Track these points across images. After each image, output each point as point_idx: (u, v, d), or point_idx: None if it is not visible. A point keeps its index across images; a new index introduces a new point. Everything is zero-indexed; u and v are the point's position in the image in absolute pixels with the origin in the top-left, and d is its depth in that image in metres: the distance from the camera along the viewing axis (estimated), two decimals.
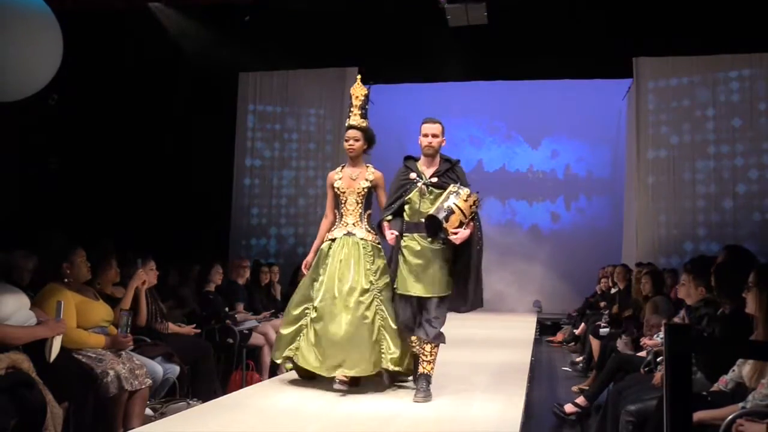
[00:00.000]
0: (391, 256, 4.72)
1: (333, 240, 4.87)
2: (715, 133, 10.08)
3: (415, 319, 4.63)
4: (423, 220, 4.50)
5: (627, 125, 11.33)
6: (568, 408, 5.56)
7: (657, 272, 6.90)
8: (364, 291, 4.69)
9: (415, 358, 4.75)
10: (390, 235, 4.60)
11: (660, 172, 10.33)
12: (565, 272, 12.23)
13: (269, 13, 9.59)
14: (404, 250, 4.59)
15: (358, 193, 4.92)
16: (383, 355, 4.66)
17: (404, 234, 4.63)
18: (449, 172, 4.68)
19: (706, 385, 3.78)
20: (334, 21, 9.52)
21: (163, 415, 4.73)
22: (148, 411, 4.74)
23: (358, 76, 5.12)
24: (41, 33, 5.53)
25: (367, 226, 4.92)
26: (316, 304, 4.72)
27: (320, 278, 4.78)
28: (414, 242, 4.58)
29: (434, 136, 4.68)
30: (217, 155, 10.97)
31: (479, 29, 8.96)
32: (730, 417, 3.11)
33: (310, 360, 4.69)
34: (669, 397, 1.90)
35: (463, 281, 4.60)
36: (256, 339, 6.75)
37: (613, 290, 9.03)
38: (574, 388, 6.55)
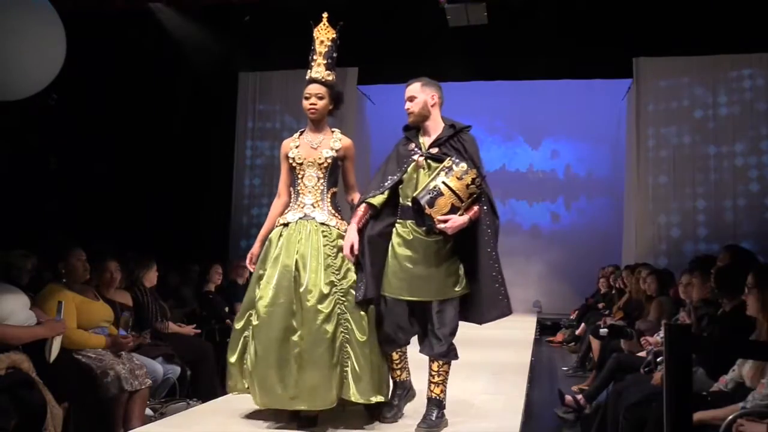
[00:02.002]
0: (363, 248, 3.68)
1: (285, 225, 3.80)
2: (715, 133, 10.08)
3: (403, 330, 3.69)
4: (410, 203, 3.64)
5: (627, 125, 11.32)
6: (567, 400, 5.55)
7: (661, 272, 6.89)
8: (323, 296, 3.63)
9: (395, 383, 3.85)
10: (350, 242, 3.60)
11: (660, 172, 10.33)
12: (565, 272, 12.22)
13: (269, 13, 9.58)
14: (394, 241, 3.68)
15: (320, 164, 3.84)
16: (346, 382, 3.64)
17: (398, 221, 3.71)
18: (453, 141, 3.70)
19: (707, 384, 3.78)
20: (334, 21, 9.52)
21: (163, 415, 4.74)
22: (148, 411, 4.75)
23: (325, 15, 4.01)
24: (45, 32, 5.53)
25: (330, 208, 3.84)
26: (260, 309, 3.66)
27: (266, 275, 3.73)
28: (406, 231, 3.65)
29: (410, 99, 3.74)
30: (216, 155, 10.97)
31: (479, 29, 8.96)
32: (730, 417, 3.11)
33: (254, 393, 3.70)
34: (669, 397, 1.90)
35: (475, 284, 3.67)
36: None
37: (613, 292, 9.04)
38: (574, 388, 6.55)
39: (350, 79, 11.17)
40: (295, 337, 3.57)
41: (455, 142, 3.70)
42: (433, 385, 3.69)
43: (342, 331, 3.65)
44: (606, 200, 12.60)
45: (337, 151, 3.88)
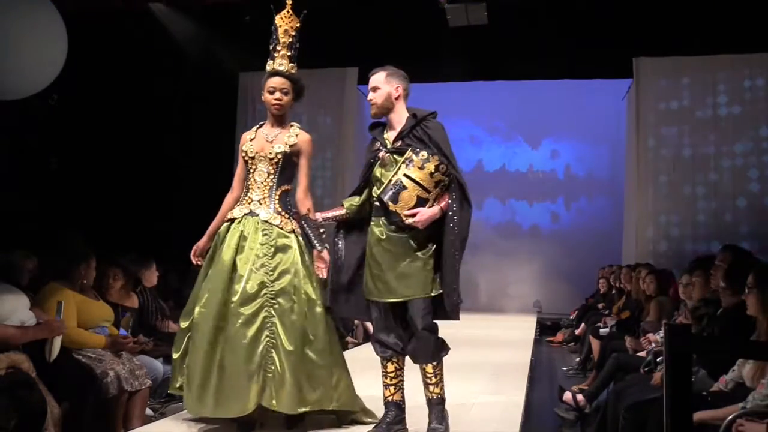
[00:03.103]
0: (337, 254, 3.55)
1: (232, 221, 3.64)
2: (715, 133, 10.08)
3: (395, 334, 3.47)
4: (377, 203, 3.46)
5: (627, 125, 11.33)
6: (567, 396, 5.55)
7: (661, 272, 6.89)
8: (249, 297, 3.42)
9: (386, 404, 3.54)
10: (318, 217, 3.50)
11: (660, 172, 10.34)
12: (565, 272, 12.22)
13: (269, 13, 9.58)
14: (371, 240, 3.49)
15: (270, 159, 3.64)
16: (268, 389, 3.38)
17: (372, 219, 3.52)
18: (416, 131, 3.48)
19: (707, 384, 3.78)
20: (334, 21, 9.52)
21: (163, 415, 4.74)
22: (148, 411, 4.75)
23: (289, 2, 3.75)
24: (46, 32, 5.54)
25: (278, 206, 3.63)
26: (195, 310, 3.51)
27: (208, 274, 3.58)
28: (380, 229, 3.45)
29: (373, 90, 3.54)
30: (217, 155, 10.96)
31: (479, 29, 8.96)
32: (730, 417, 3.11)
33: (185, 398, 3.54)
34: (669, 397, 1.90)
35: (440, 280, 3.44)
36: None
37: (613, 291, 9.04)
38: (574, 388, 6.54)
39: (350, 79, 11.18)
40: (221, 340, 3.41)
41: (418, 131, 3.48)
42: (432, 387, 3.45)
43: (267, 335, 3.41)
44: (606, 200, 12.60)
45: (291, 146, 3.65)
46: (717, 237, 9.77)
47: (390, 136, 3.54)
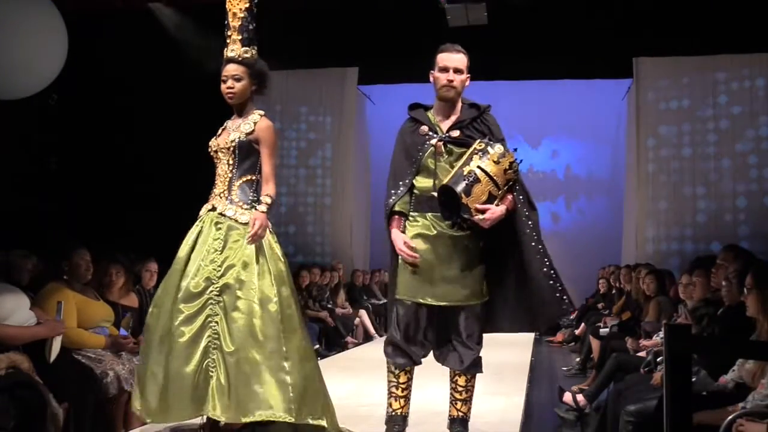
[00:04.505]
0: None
1: (199, 218, 3.48)
2: (715, 133, 10.08)
3: (421, 341, 3.25)
4: (435, 194, 3.17)
5: (627, 125, 11.33)
6: (567, 396, 5.54)
7: (661, 272, 6.90)
8: (192, 295, 3.20)
9: (390, 417, 3.27)
10: (401, 243, 3.13)
11: (660, 172, 10.34)
12: (565, 272, 12.05)
13: (268, 13, 9.57)
14: (409, 236, 3.22)
15: (228, 150, 3.44)
16: (209, 396, 3.11)
17: (410, 214, 3.25)
18: (477, 123, 3.29)
19: (707, 384, 3.78)
20: (334, 21, 9.52)
21: None
22: None
23: None
24: (46, 32, 5.54)
25: (238, 197, 3.37)
26: (151, 310, 3.34)
27: (167, 273, 3.42)
28: (426, 225, 3.20)
29: (457, 71, 3.27)
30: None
31: (479, 29, 8.96)
32: (730, 417, 3.11)
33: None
34: (669, 397, 1.89)
35: (525, 284, 3.22)
36: None
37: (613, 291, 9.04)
38: (574, 388, 6.55)
39: (350, 79, 11.18)
40: (166, 341, 3.19)
41: (479, 124, 3.28)
42: (460, 403, 3.25)
43: (209, 335, 3.16)
44: (606, 200, 12.61)
45: (247, 134, 3.39)
46: (717, 237, 9.77)
47: (441, 123, 3.29)
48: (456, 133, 3.25)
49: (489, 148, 3.10)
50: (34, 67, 5.62)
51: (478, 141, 3.16)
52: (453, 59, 3.28)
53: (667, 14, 9.16)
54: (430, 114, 3.34)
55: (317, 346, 7.78)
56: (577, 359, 8.10)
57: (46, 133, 8.92)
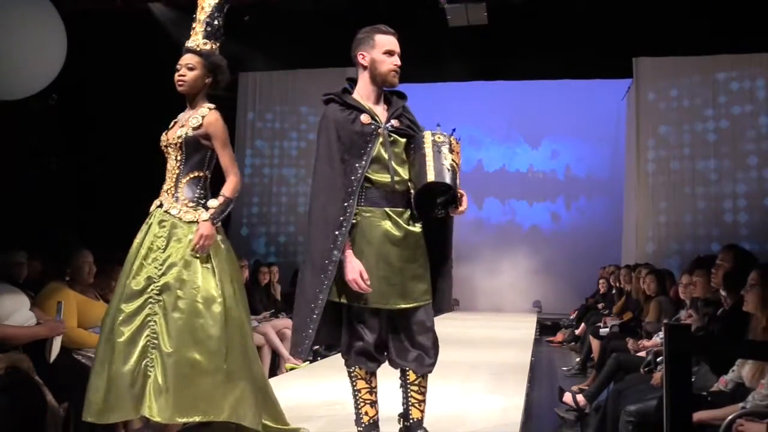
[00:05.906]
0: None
1: (150, 215, 3.37)
2: (715, 133, 10.09)
3: (384, 345, 3.04)
4: (412, 191, 2.99)
5: (627, 125, 11.34)
6: (567, 396, 5.55)
7: (661, 272, 6.90)
8: (132, 294, 3.13)
9: (366, 427, 3.06)
10: (358, 274, 2.85)
11: (660, 172, 10.34)
12: (565, 272, 12.23)
13: (269, 13, 9.59)
14: (370, 238, 2.94)
15: (175, 145, 3.30)
16: (147, 396, 3.03)
17: (362, 208, 2.95)
18: (406, 112, 3.12)
19: (710, 380, 3.78)
20: (334, 21, 9.52)
21: None
22: None
23: None
24: (45, 32, 5.55)
25: (184, 195, 3.26)
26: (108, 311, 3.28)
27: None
28: (389, 225, 2.95)
29: (399, 56, 3.11)
30: None
31: (479, 29, 8.96)
32: (730, 417, 3.11)
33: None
34: (669, 397, 1.90)
35: (440, 274, 3.12)
36: (255, 339, 6.71)
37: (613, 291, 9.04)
38: (574, 388, 6.55)
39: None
40: (110, 341, 3.13)
41: (408, 113, 3.12)
42: (423, 404, 3.06)
43: (148, 335, 3.09)
44: (606, 200, 12.61)
45: (194, 128, 3.27)
46: (717, 237, 9.77)
47: (376, 110, 3.06)
48: (396, 123, 3.05)
49: (444, 138, 2.98)
50: (34, 67, 5.62)
51: (427, 131, 3.01)
52: (395, 42, 3.11)
53: (667, 14, 9.17)
54: (360, 99, 3.09)
55: (317, 347, 7.77)
56: (577, 359, 8.10)
57: (46, 133, 8.92)
